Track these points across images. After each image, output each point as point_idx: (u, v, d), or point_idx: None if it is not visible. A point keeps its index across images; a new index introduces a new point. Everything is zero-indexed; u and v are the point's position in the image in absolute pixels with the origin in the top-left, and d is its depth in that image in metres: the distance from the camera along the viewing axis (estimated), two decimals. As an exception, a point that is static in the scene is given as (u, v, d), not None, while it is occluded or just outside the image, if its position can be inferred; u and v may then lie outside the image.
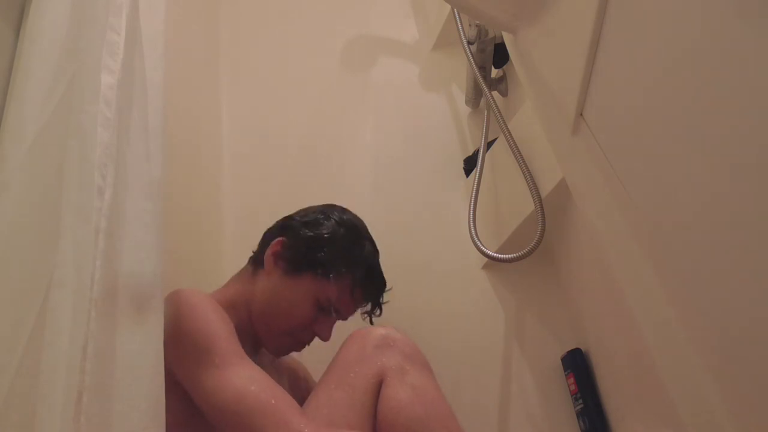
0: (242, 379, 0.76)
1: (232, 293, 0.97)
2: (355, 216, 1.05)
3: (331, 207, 1.04)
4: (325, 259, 0.94)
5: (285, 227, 1.00)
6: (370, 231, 1.05)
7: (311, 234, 0.96)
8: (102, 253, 0.61)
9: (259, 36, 1.74)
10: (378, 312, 1.01)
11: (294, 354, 1.03)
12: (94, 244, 0.61)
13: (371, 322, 1.01)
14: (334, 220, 0.99)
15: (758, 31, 0.43)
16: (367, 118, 1.55)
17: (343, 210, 1.04)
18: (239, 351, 0.81)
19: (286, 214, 1.06)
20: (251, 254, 1.03)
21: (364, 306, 1.00)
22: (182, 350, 0.79)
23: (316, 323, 0.94)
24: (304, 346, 0.99)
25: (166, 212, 0.77)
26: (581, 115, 0.73)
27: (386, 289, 1.02)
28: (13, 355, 0.59)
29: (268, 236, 1.02)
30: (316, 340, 0.97)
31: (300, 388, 1.04)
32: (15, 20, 0.88)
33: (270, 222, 1.17)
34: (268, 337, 0.95)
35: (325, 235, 0.96)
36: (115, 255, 0.64)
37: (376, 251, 1.03)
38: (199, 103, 1.48)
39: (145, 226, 0.71)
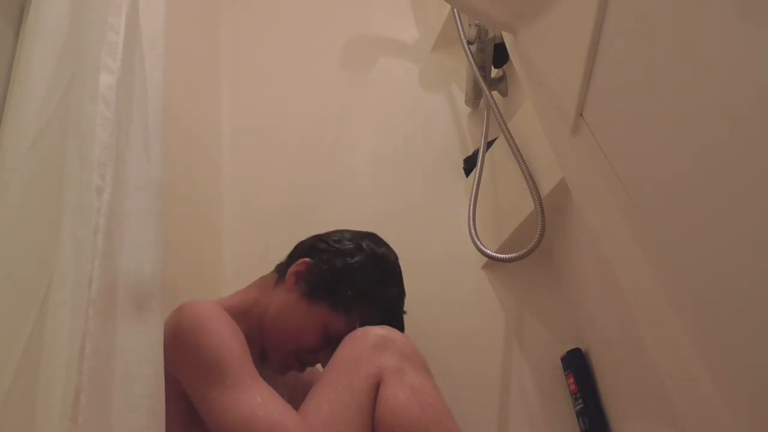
0: (251, 402, 0.75)
1: (248, 299, 0.97)
2: (389, 251, 1.01)
3: (368, 236, 1.01)
4: (346, 294, 0.92)
5: (314, 248, 0.98)
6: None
7: (338, 264, 0.94)
8: (101, 253, 0.61)
9: (259, 36, 1.74)
10: None
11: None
12: (93, 244, 0.61)
13: None
14: (366, 253, 0.96)
15: (758, 31, 0.43)
16: (367, 118, 1.55)
17: (379, 242, 1.01)
18: (250, 370, 0.80)
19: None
20: (279, 262, 1.02)
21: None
22: (191, 366, 0.78)
23: (322, 351, 0.93)
24: (305, 369, 0.98)
25: (165, 212, 0.77)
26: (581, 115, 0.73)
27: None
28: (12, 355, 0.59)
29: (299, 250, 1.00)
30: None
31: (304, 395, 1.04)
32: (15, 20, 0.88)
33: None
34: (273, 352, 0.95)
35: (352, 269, 0.93)
36: (114, 255, 0.64)
37: (402, 294, 1.00)
38: (199, 102, 1.48)
39: (145, 225, 0.71)
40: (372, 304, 0.93)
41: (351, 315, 0.91)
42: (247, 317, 0.93)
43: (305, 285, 0.94)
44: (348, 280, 0.93)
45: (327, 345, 0.92)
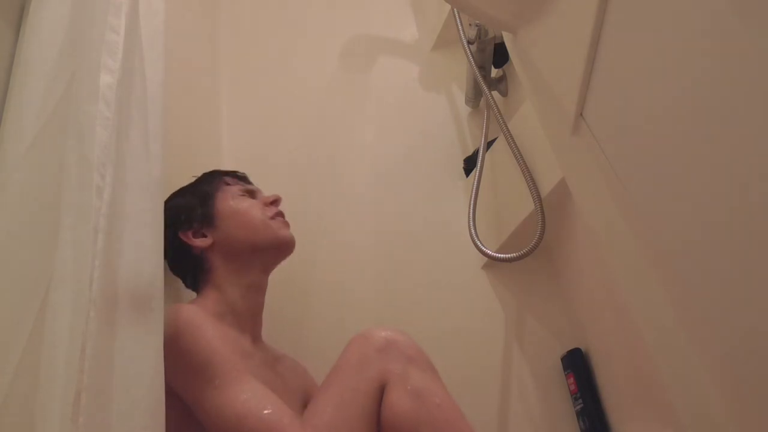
0: (242, 399, 0.76)
1: (220, 295, 0.96)
2: None
3: None
4: (204, 192, 1.04)
5: (170, 232, 0.94)
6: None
7: (176, 208, 1.00)
8: (101, 253, 0.61)
9: (259, 36, 1.73)
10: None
11: (296, 358, 1.07)
12: (93, 244, 0.61)
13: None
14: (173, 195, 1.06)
15: (758, 31, 0.43)
16: (367, 118, 1.55)
17: None
18: (239, 367, 0.81)
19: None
20: (188, 286, 1.04)
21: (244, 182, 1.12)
22: (182, 369, 0.79)
23: (262, 204, 1.05)
24: (281, 215, 1.08)
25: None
26: (581, 115, 0.73)
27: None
28: (12, 355, 0.59)
29: (174, 262, 1.02)
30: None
31: (300, 376, 1.04)
32: (15, 20, 0.88)
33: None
34: (271, 240, 1.01)
35: (184, 191, 1.05)
36: (115, 255, 0.64)
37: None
38: (199, 102, 1.48)
39: (145, 225, 0.71)
40: (212, 177, 1.08)
41: (223, 188, 1.04)
42: (235, 303, 0.95)
43: (202, 233, 1.00)
44: (192, 193, 1.05)
45: (254, 200, 1.06)
